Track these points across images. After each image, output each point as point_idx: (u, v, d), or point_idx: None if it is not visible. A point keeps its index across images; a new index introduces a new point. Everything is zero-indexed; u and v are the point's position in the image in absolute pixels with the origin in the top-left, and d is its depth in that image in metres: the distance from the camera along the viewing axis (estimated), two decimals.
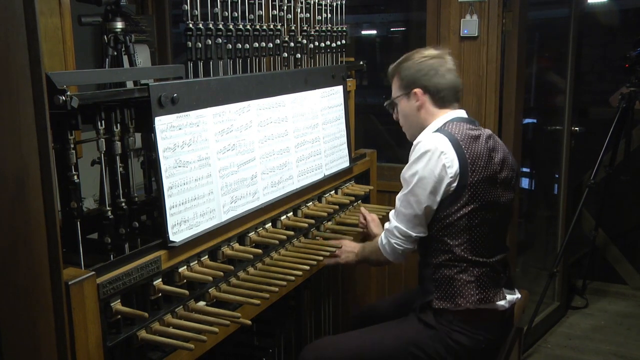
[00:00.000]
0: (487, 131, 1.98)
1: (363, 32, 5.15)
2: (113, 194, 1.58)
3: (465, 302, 1.85)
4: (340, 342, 2.03)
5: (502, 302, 1.88)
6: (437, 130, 1.92)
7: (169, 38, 3.47)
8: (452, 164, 1.82)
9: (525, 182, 3.88)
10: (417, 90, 1.98)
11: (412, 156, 1.89)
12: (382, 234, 2.03)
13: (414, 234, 1.92)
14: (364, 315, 2.31)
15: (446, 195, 1.85)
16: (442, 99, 1.98)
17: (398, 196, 1.95)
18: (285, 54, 2.19)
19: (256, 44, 2.01)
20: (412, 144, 1.95)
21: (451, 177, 1.83)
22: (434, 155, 1.83)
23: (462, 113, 2.00)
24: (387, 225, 2.02)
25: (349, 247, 2.18)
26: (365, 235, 2.34)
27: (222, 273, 1.66)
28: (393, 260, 2.02)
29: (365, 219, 2.32)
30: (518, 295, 1.98)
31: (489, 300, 1.86)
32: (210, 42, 1.82)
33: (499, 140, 2.02)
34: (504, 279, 1.94)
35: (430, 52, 2.02)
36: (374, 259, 2.11)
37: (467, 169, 1.83)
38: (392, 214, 2.00)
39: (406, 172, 1.91)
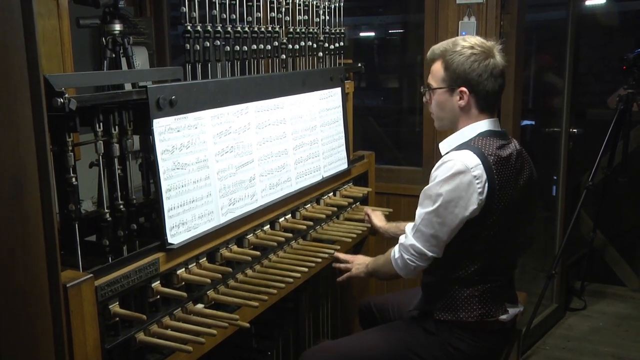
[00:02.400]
0: (516, 145, 1.89)
1: (361, 34, 5.15)
2: (111, 196, 1.58)
3: (467, 316, 1.82)
4: (338, 347, 2.01)
5: (503, 317, 1.86)
6: (467, 147, 1.79)
7: (167, 40, 3.47)
8: (483, 190, 1.73)
9: None
10: (464, 90, 1.82)
11: (441, 173, 1.76)
12: (396, 248, 1.94)
13: (429, 254, 1.83)
14: (369, 311, 2.30)
15: (468, 219, 1.76)
16: (487, 104, 1.85)
17: (418, 213, 1.84)
18: (284, 56, 2.19)
19: (254, 46, 2.01)
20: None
21: (479, 204, 1.74)
22: (465, 178, 1.72)
23: (495, 123, 1.88)
24: (402, 239, 1.91)
25: (361, 260, 2.17)
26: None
27: (220, 275, 1.66)
28: (404, 275, 1.95)
29: (368, 214, 2.41)
30: (520, 308, 1.96)
31: (491, 315, 1.84)
32: (208, 44, 1.82)
33: (526, 156, 1.92)
34: (507, 294, 1.91)
35: (483, 46, 1.82)
36: (384, 272, 2.04)
37: (494, 195, 1.74)
38: (408, 229, 1.89)
39: (432, 189, 1.78)
